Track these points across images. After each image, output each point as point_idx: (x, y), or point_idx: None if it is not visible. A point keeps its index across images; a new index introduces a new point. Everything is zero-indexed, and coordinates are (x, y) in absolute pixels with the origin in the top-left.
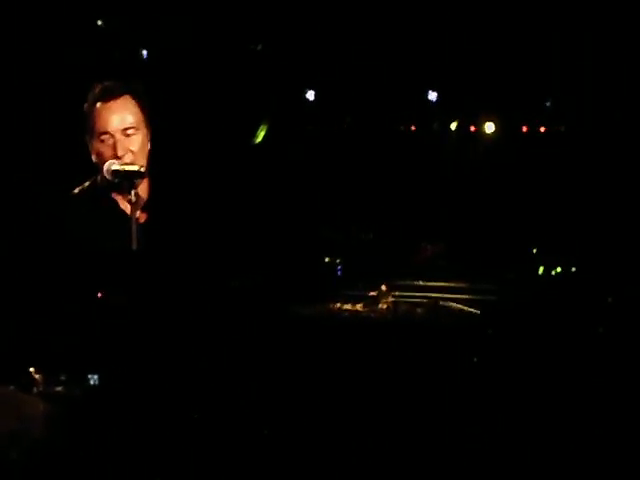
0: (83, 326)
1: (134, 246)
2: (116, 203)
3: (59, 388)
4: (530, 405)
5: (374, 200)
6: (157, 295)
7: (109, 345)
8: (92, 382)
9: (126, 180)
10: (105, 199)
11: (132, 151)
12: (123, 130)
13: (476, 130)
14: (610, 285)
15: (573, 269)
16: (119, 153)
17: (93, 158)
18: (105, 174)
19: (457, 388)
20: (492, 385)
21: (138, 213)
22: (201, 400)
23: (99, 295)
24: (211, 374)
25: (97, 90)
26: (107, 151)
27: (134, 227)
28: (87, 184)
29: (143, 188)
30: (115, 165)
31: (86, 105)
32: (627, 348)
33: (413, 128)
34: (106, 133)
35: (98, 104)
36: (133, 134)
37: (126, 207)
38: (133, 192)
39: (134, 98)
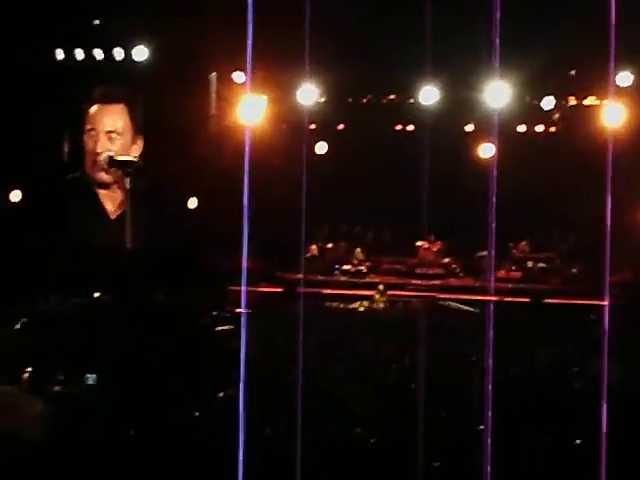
0: (77, 325)
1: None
2: (96, 198)
3: (57, 388)
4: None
5: None
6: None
7: (104, 344)
8: (90, 382)
9: (121, 168)
10: (87, 194)
11: (111, 151)
12: (107, 132)
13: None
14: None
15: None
16: (98, 149)
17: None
18: (99, 163)
19: (456, 385)
20: (491, 382)
21: (113, 208)
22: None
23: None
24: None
25: (97, 92)
26: (90, 145)
27: (128, 214)
28: (72, 176)
29: (119, 191)
30: (112, 152)
31: (87, 102)
32: None
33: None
34: (93, 130)
35: (94, 105)
36: (115, 138)
37: (104, 202)
38: (127, 180)
39: (127, 107)
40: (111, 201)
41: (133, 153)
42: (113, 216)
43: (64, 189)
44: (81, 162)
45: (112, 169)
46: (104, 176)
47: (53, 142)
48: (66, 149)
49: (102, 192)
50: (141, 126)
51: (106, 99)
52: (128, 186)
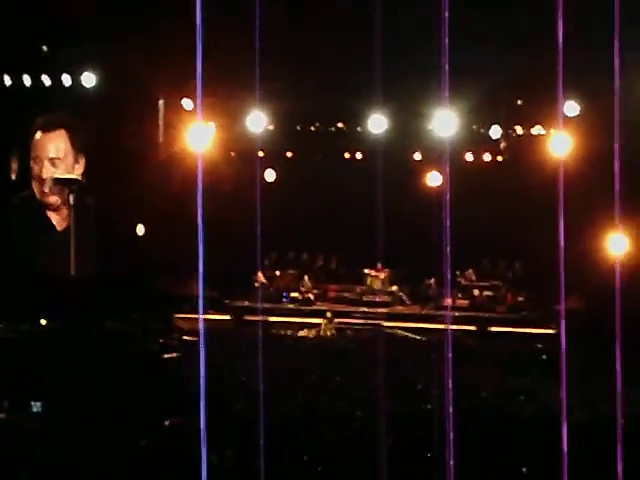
0: (26, 349)
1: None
2: (44, 213)
3: (1, 415)
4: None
5: None
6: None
7: (50, 371)
8: (35, 409)
9: (65, 186)
10: (36, 210)
11: (54, 174)
12: (50, 159)
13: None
14: None
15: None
16: (43, 175)
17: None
18: (49, 183)
19: (403, 413)
20: (438, 412)
21: (59, 221)
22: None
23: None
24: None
25: (40, 120)
26: (35, 170)
27: (73, 227)
28: (23, 195)
29: (64, 207)
30: (57, 174)
31: (31, 129)
32: None
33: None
34: (37, 157)
35: (37, 132)
36: (58, 163)
37: (52, 216)
38: (71, 197)
39: (67, 132)
40: (58, 215)
41: (76, 172)
42: (59, 228)
43: (14, 205)
44: (29, 183)
45: (57, 187)
46: (52, 199)
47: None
48: (14, 169)
49: (50, 211)
50: (82, 147)
51: (47, 127)
52: (72, 202)
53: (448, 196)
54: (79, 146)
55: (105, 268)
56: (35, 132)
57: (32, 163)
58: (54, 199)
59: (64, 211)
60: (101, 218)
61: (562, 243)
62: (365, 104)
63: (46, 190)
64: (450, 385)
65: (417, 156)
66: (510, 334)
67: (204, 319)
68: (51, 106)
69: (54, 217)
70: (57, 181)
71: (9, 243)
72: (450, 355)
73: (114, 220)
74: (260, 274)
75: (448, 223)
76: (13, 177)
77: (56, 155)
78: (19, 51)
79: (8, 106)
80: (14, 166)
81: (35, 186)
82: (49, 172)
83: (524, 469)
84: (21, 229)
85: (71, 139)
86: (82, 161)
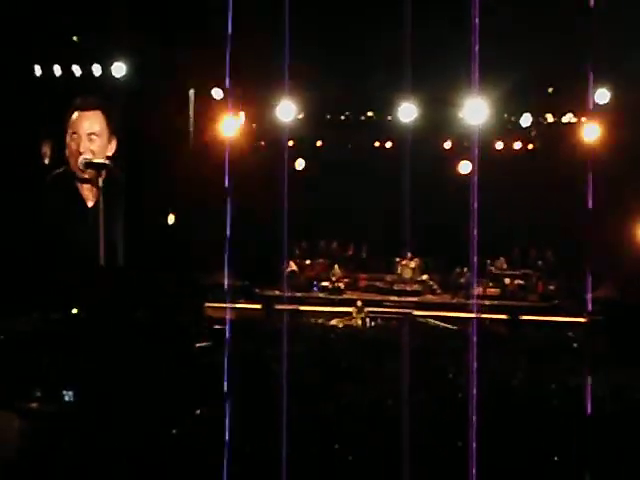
0: (58, 341)
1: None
2: (77, 189)
3: (34, 404)
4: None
5: None
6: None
7: (81, 361)
8: (67, 398)
9: (95, 169)
10: (70, 185)
11: (92, 150)
12: (87, 134)
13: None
14: None
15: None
16: (81, 149)
17: (66, 152)
18: (78, 165)
19: (433, 402)
20: (467, 399)
21: (90, 197)
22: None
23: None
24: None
25: (77, 101)
26: (73, 146)
27: (101, 206)
28: (57, 172)
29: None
30: (87, 158)
31: (69, 110)
32: None
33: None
34: (75, 133)
35: (75, 112)
36: (95, 139)
37: (83, 193)
38: (100, 179)
39: (103, 113)
40: (89, 192)
41: (109, 151)
42: (90, 204)
43: (50, 182)
44: (63, 161)
45: (88, 170)
46: (85, 174)
47: (34, 149)
48: (47, 154)
49: (81, 185)
50: (115, 129)
51: (85, 106)
52: (100, 184)
53: (476, 184)
54: (113, 127)
55: (136, 257)
56: (73, 112)
57: (69, 140)
58: (87, 174)
59: (95, 188)
60: (132, 207)
61: (588, 231)
62: (395, 93)
63: (79, 165)
64: (476, 373)
65: (447, 145)
66: (541, 322)
67: (235, 308)
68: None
69: (85, 192)
70: (88, 165)
71: (42, 219)
72: (476, 343)
73: (145, 210)
74: (291, 263)
75: (476, 211)
76: (46, 161)
77: (93, 131)
78: (50, 41)
79: (41, 96)
80: (47, 151)
81: (72, 162)
82: (86, 146)
83: (556, 458)
84: (54, 203)
85: (106, 119)
86: (114, 142)
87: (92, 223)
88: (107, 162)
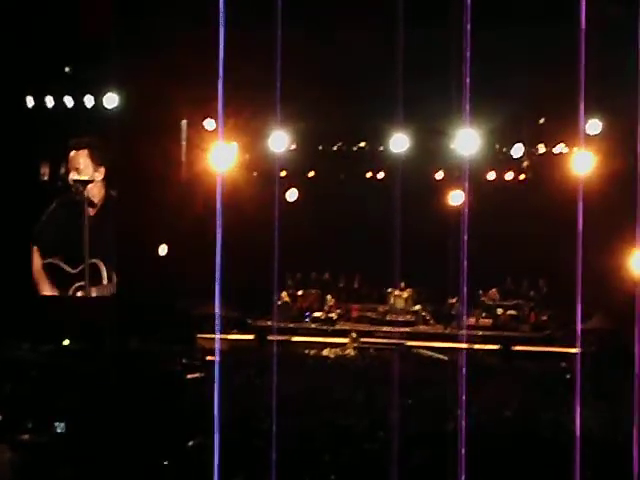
0: (48, 370)
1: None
2: (79, 205)
3: (25, 436)
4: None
5: None
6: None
7: (73, 392)
8: (59, 430)
9: (81, 184)
10: (74, 201)
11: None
12: (76, 169)
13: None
14: None
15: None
16: (74, 178)
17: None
18: (72, 183)
19: (424, 432)
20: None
21: (90, 209)
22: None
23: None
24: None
25: (72, 142)
26: (70, 176)
27: (87, 214)
28: (66, 195)
29: (96, 195)
30: (75, 177)
31: (68, 149)
32: None
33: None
34: (70, 167)
35: (72, 151)
36: (81, 171)
37: (92, 211)
38: (85, 192)
39: (89, 150)
40: (92, 210)
41: (97, 178)
42: (92, 213)
43: (59, 201)
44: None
45: (77, 185)
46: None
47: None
48: (45, 173)
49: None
50: (100, 161)
51: (77, 147)
52: (86, 195)
53: (467, 214)
54: (97, 160)
55: (127, 288)
56: (70, 150)
57: (69, 170)
58: (78, 192)
59: (97, 204)
60: (124, 239)
61: (581, 261)
62: (387, 124)
63: (70, 182)
64: (468, 404)
65: (439, 175)
66: (534, 353)
67: (228, 339)
68: (75, 126)
69: (90, 209)
70: (76, 181)
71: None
72: (468, 374)
73: (136, 241)
74: (284, 293)
75: (466, 241)
76: (45, 178)
77: (80, 167)
78: (42, 72)
79: (37, 126)
80: (46, 171)
81: (71, 187)
82: (75, 177)
83: None
84: (61, 216)
85: (91, 156)
86: (101, 170)
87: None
88: (90, 179)
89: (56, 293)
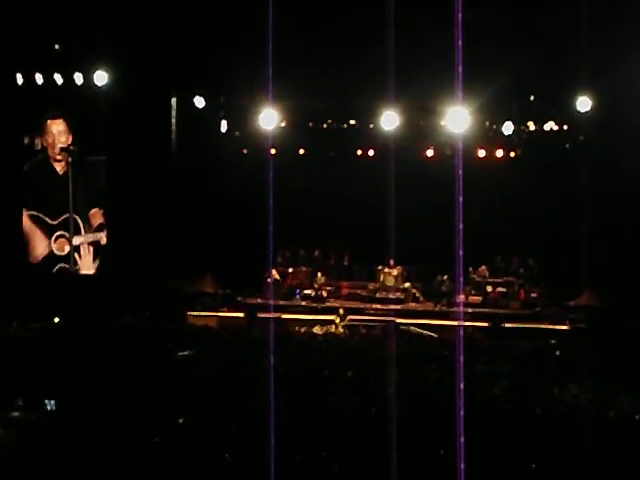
0: (39, 347)
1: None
2: (52, 164)
3: (16, 413)
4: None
5: None
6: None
7: (63, 369)
8: (49, 407)
9: (66, 152)
10: (48, 164)
11: (62, 142)
12: (57, 134)
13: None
14: None
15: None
16: (55, 142)
17: (43, 143)
18: (55, 150)
19: (415, 409)
20: (450, 407)
21: (60, 169)
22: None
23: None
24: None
25: (49, 113)
26: (49, 141)
27: (70, 175)
28: (40, 156)
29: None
30: (61, 144)
31: (44, 119)
32: None
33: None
34: (47, 134)
35: (48, 119)
36: (62, 137)
37: (56, 166)
38: (70, 158)
39: (64, 120)
40: (59, 166)
41: (69, 141)
42: (60, 173)
43: (31, 163)
44: (43, 150)
45: (62, 152)
46: (58, 156)
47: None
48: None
49: (55, 163)
50: (73, 129)
51: (52, 116)
52: (70, 161)
53: (460, 192)
54: (71, 129)
55: (120, 267)
56: (46, 120)
57: (47, 137)
58: (59, 156)
59: (63, 163)
60: (115, 216)
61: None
62: (377, 101)
63: (56, 151)
64: (459, 381)
65: (429, 153)
66: (524, 330)
67: (219, 316)
68: (65, 102)
69: (57, 167)
70: (62, 149)
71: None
72: (462, 352)
73: (127, 221)
74: (273, 271)
75: (460, 219)
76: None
77: (60, 132)
78: (32, 49)
79: (25, 102)
80: (27, 140)
81: (49, 150)
82: (57, 141)
83: (533, 465)
84: (37, 174)
85: (67, 124)
86: (70, 138)
87: (62, 187)
88: (72, 148)
89: (45, 242)
